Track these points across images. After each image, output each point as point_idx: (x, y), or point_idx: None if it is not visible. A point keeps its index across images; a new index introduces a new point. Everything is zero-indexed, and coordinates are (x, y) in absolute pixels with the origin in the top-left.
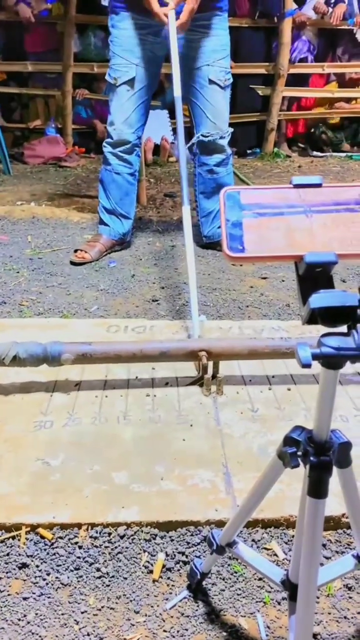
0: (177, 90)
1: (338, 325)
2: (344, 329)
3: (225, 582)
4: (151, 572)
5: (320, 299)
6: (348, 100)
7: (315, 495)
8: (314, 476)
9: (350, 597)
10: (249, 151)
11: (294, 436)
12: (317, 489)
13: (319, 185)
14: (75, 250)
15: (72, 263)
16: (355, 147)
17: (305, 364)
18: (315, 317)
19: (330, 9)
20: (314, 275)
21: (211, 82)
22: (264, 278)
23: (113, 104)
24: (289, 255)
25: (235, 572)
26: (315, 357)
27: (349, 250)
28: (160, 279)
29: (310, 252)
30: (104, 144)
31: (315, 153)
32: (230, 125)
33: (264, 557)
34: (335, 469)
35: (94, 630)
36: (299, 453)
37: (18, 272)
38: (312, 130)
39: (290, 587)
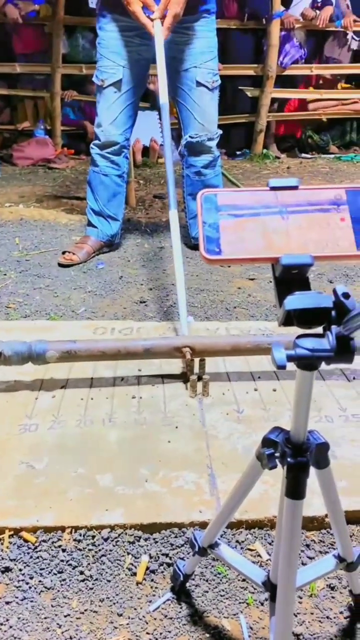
0: (164, 97)
1: (313, 327)
2: (320, 330)
3: (209, 583)
4: (135, 574)
5: (295, 300)
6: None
7: (293, 496)
8: (291, 477)
9: (333, 597)
10: (238, 152)
11: (272, 437)
12: (294, 490)
13: (295, 188)
14: (63, 252)
15: (60, 265)
16: (343, 148)
17: (280, 365)
18: (291, 318)
19: (318, 12)
20: (290, 277)
21: (199, 84)
22: (252, 279)
23: (100, 105)
24: (265, 257)
25: (219, 574)
26: (290, 358)
27: (324, 252)
28: (148, 280)
29: (286, 254)
30: (91, 145)
31: (304, 155)
32: (220, 126)
33: (246, 558)
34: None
35: (76, 634)
36: (277, 454)
37: (5, 274)
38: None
39: (271, 588)
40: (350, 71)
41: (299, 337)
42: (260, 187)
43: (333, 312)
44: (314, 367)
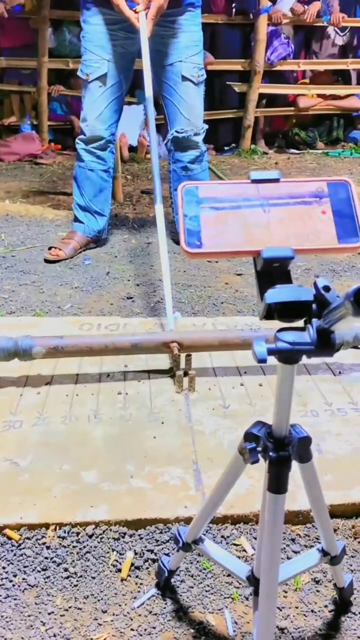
0: (149, 91)
1: (294, 321)
2: (301, 324)
3: (194, 579)
4: (119, 570)
5: (276, 294)
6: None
7: (275, 490)
8: (273, 471)
9: (317, 591)
10: (226, 148)
11: (254, 432)
12: (276, 484)
13: (276, 181)
14: (50, 248)
15: (46, 261)
16: (330, 144)
17: (261, 359)
18: (272, 312)
19: (306, 7)
20: (271, 271)
21: (184, 78)
22: (239, 274)
23: (85, 100)
24: (246, 251)
25: (204, 569)
26: (270, 352)
27: (305, 245)
28: (135, 276)
29: (267, 247)
30: (76, 140)
31: (292, 150)
32: (207, 122)
33: (232, 553)
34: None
35: (60, 631)
36: (259, 448)
37: None
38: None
39: (255, 583)
40: (337, 66)
41: (279, 330)
42: (242, 179)
43: (314, 306)
44: (295, 361)
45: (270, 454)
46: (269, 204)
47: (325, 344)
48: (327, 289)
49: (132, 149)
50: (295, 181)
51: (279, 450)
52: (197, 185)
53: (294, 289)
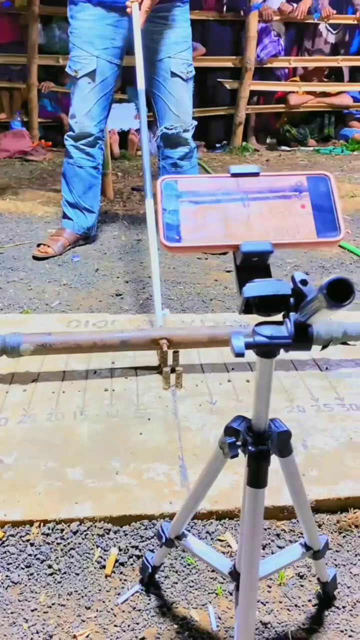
0: (141, 83)
1: (273, 314)
2: (280, 318)
3: (178, 574)
4: (104, 567)
5: (253, 288)
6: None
7: (255, 484)
8: (252, 466)
9: (301, 585)
10: (217, 145)
11: (234, 426)
12: (255, 478)
13: (256, 175)
14: (38, 245)
15: (35, 258)
16: (321, 141)
17: (238, 353)
18: (250, 306)
19: (295, 5)
20: (251, 265)
21: (173, 74)
22: (229, 271)
23: (74, 96)
24: (225, 245)
25: (189, 565)
26: (248, 346)
27: (285, 239)
28: (124, 273)
29: (247, 241)
30: (65, 136)
31: (283, 147)
32: (199, 119)
33: (216, 548)
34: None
35: (43, 628)
36: (239, 443)
37: None
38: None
39: (237, 578)
40: (328, 64)
41: (258, 324)
42: (222, 174)
43: (292, 299)
44: (273, 355)
45: (250, 448)
46: (249, 198)
47: (303, 337)
48: (304, 282)
49: (122, 145)
50: (275, 175)
51: (258, 444)
52: (177, 179)
53: (272, 283)
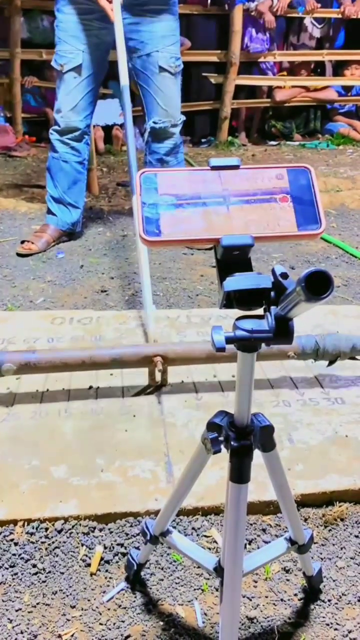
0: (124, 79)
1: (253, 308)
2: (261, 312)
3: (164, 571)
4: (89, 565)
5: (234, 282)
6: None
7: (237, 480)
8: (234, 461)
9: (287, 580)
10: (203, 140)
11: (216, 421)
12: (238, 473)
13: (236, 167)
14: (22, 242)
15: (19, 254)
16: (307, 136)
17: (219, 347)
18: (231, 300)
19: (275, 1)
20: (231, 259)
21: (162, 69)
22: (215, 267)
23: (60, 91)
24: (205, 239)
25: (175, 562)
26: (228, 340)
27: (265, 232)
28: (110, 269)
29: (227, 234)
30: (50, 131)
31: (270, 142)
32: (184, 113)
33: (202, 545)
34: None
35: (27, 628)
36: (221, 438)
37: None
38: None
39: (222, 574)
40: (313, 58)
41: (239, 318)
42: (201, 166)
43: (272, 293)
44: (254, 349)
45: (232, 443)
46: (229, 191)
47: (284, 331)
48: (284, 275)
49: (107, 141)
50: (255, 168)
51: (240, 439)
52: (156, 172)
53: (253, 277)
